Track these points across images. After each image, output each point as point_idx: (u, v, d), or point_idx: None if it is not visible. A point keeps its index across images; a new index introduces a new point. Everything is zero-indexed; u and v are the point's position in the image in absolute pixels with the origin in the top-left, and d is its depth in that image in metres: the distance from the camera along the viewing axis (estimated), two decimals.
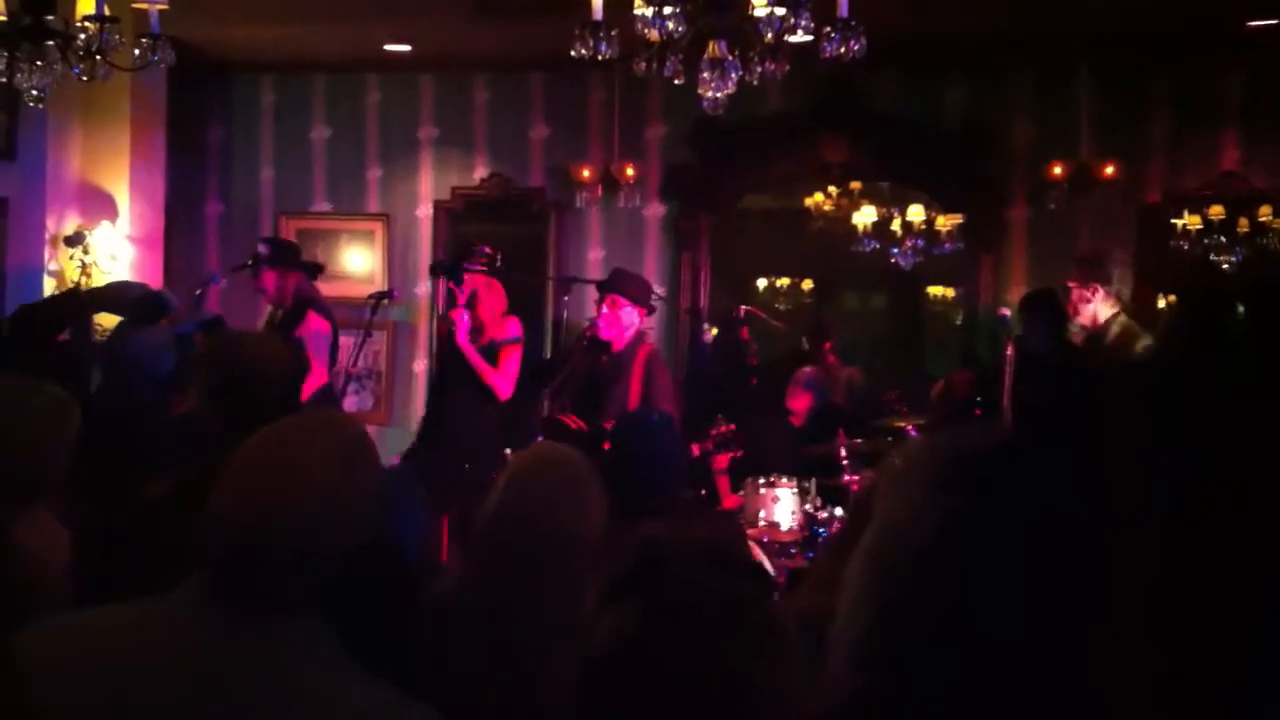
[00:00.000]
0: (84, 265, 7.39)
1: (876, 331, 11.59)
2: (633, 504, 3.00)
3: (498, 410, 6.03)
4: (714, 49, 4.46)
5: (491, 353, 6.03)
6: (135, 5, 5.25)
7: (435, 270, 6.54)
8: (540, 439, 4.99)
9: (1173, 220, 8.03)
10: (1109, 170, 7.74)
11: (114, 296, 5.60)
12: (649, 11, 4.20)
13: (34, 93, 5.01)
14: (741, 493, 5.90)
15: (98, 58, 4.84)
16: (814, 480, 5.89)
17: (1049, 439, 1.09)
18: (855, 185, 9.79)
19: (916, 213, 9.85)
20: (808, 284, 11.87)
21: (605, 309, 5.73)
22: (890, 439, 6.06)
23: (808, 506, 5.78)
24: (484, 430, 5.91)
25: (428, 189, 8.98)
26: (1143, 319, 6.12)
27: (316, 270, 6.59)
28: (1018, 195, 8.14)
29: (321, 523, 1.64)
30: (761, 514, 5.71)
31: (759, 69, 4.48)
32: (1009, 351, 5.38)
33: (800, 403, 6.90)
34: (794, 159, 8.46)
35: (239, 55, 8.86)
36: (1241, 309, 2.03)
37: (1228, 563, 1.25)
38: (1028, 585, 1.02)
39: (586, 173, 8.36)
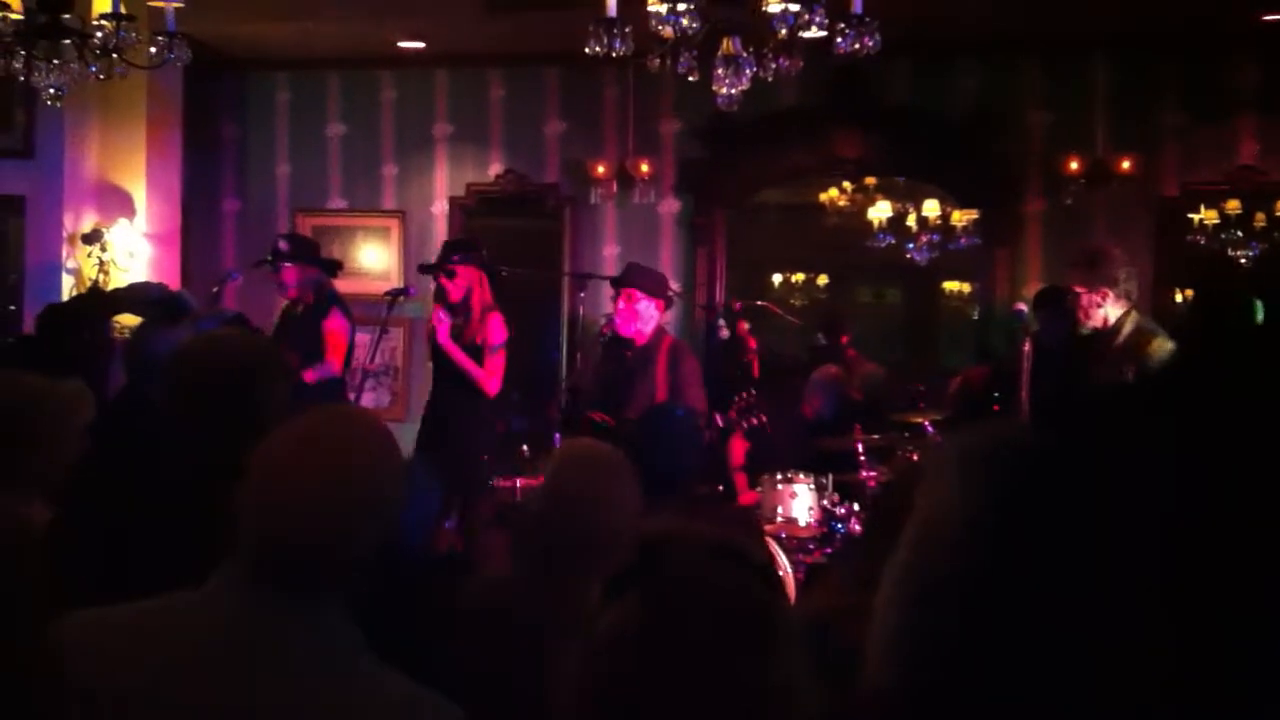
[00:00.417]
0: (102, 263, 7.41)
1: (891, 326, 11.57)
2: (647, 497, 3.01)
3: (488, 405, 6.12)
4: (728, 45, 4.45)
5: (478, 354, 6.08)
6: (151, 3, 5.28)
7: (424, 270, 6.59)
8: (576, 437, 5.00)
9: (1189, 215, 8.01)
10: (1125, 164, 7.71)
11: (133, 297, 5.63)
12: (663, 8, 4.20)
13: (51, 91, 5.04)
14: (759, 489, 5.90)
15: (114, 56, 4.86)
16: (830, 476, 5.88)
17: (1074, 437, 1.09)
18: (870, 180, 9.77)
19: (932, 208, 9.82)
20: (823, 279, 11.84)
21: (621, 304, 5.71)
22: (907, 434, 6.04)
23: (825, 502, 5.76)
24: (475, 424, 6.02)
25: (443, 185, 8.99)
26: (1157, 315, 6.07)
27: (335, 267, 6.61)
28: (1033, 189, 8.11)
29: (358, 511, 1.67)
30: (779, 510, 5.69)
31: (773, 65, 4.48)
32: (1026, 347, 5.36)
33: (813, 405, 6.87)
34: (808, 153, 8.44)
35: (254, 52, 8.89)
36: (1260, 306, 2.02)
37: (1247, 564, 1.25)
38: (1064, 584, 1.03)
39: (601, 169, 8.37)
